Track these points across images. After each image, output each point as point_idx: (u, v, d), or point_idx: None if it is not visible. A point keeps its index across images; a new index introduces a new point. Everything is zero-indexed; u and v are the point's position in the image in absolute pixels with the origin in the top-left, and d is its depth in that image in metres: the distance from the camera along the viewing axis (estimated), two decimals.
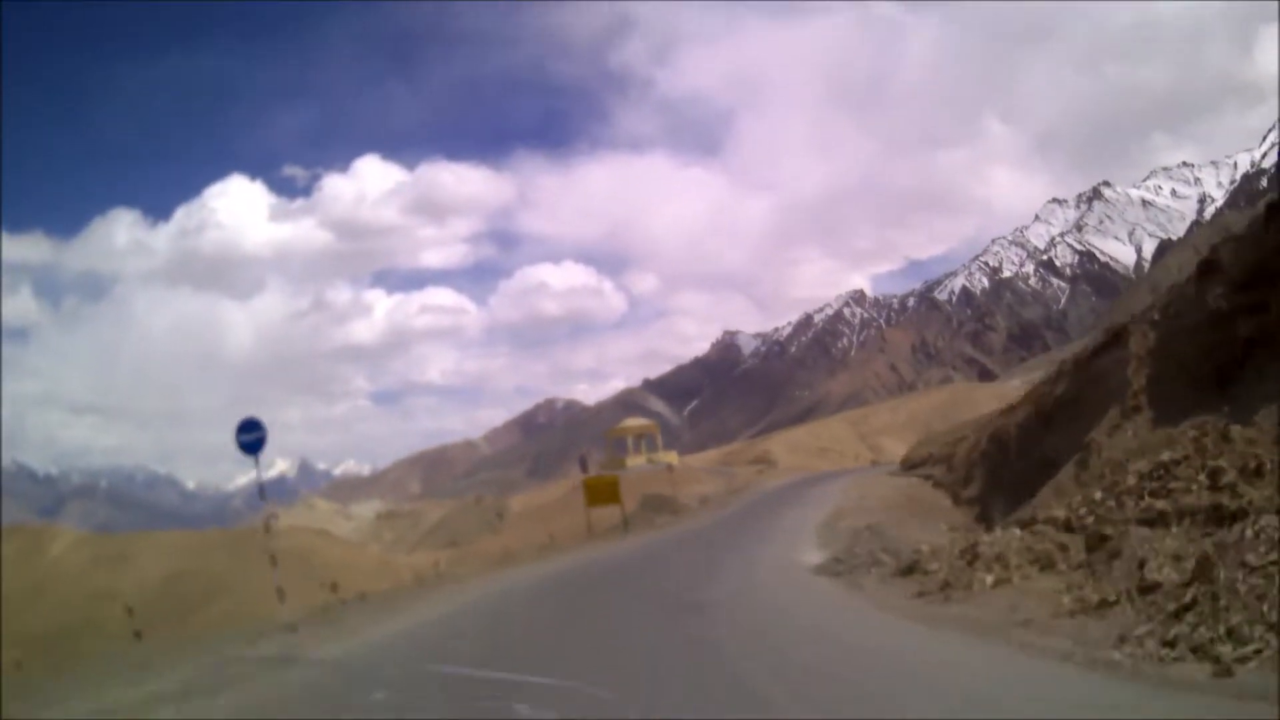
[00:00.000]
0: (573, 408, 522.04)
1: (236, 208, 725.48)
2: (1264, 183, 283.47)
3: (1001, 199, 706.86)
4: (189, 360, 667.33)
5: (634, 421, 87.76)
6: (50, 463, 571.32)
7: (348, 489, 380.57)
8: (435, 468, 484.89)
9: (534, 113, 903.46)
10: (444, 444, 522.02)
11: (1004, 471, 21.90)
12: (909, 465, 54.34)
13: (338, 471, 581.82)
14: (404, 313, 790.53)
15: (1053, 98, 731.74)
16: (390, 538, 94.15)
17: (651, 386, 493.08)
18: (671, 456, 76.90)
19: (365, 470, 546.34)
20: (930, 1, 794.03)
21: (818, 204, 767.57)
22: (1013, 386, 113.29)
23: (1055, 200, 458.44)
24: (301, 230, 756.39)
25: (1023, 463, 19.99)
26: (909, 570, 12.56)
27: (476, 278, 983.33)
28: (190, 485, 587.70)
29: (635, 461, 74.38)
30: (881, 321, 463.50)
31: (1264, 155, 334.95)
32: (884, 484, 46.46)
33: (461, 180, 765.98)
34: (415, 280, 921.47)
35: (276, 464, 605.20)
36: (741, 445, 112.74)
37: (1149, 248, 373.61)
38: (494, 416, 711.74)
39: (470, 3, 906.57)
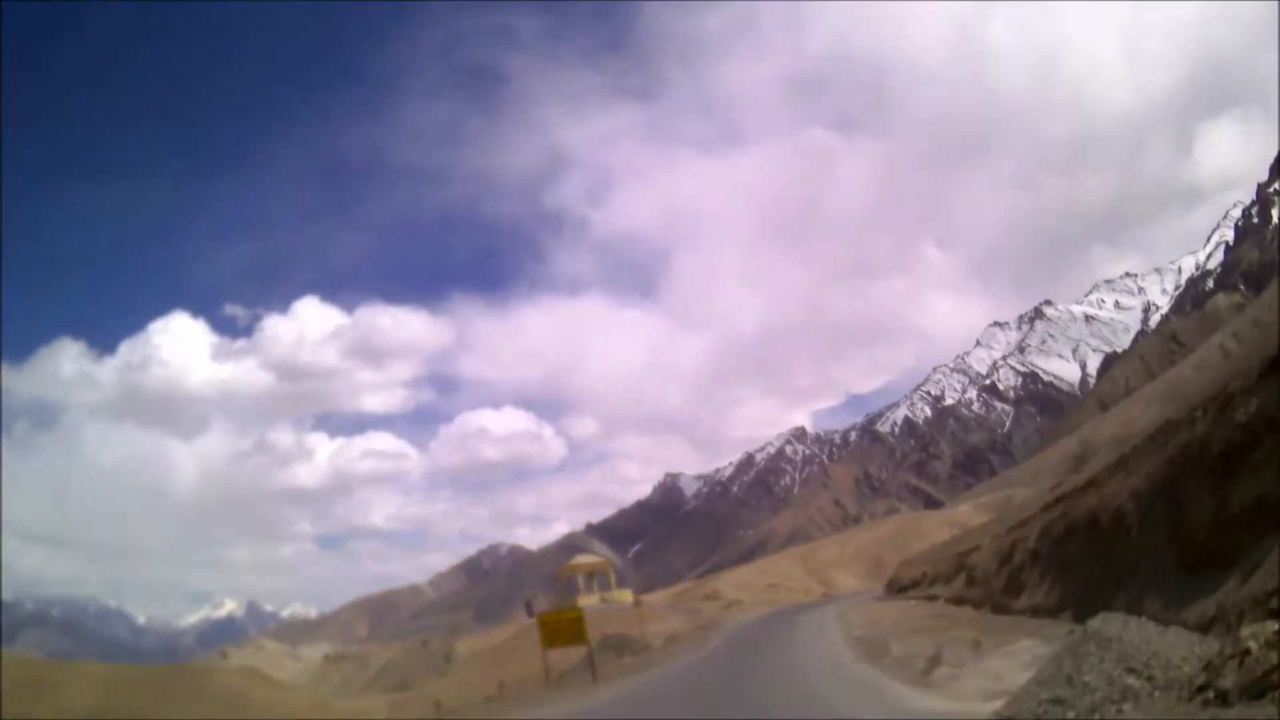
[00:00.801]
0: (516, 553, 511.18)
1: (179, 345, 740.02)
2: (1210, 284, 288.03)
3: (941, 326, 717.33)
4: (137, 495, 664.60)
5: (585, 559, 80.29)
6: (4, 589, 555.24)
7: (296, 631, 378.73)
8: (382, 612, 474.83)
9: (470, 254, 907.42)
10: (390, 588, 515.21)
11: (1118, 557, 15.98)
12: (899, 588, 48.29)
13: (285, 613, 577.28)
14: (346, 457, 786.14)
15: (990, 218, 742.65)
16: (338, 680, 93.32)
17: (594, 530, 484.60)
18: (626, 595, 70.03)
19: (312, 613, 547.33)
20: (863, 127, 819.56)
21: (756, 342, 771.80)
22: (962, 511, 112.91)
23: (996, 324, 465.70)
24: (243, 371, 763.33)
25: (1159, 536, 14.17)
26: (1258, 691, 6.36)
27: (417, 422, 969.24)
28: (140, 620, 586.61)
29: (588, 601, 67.22)
30: (824, 457, 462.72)
31: (1209, 255, 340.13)
32: (882, 608, 40.40)
33: (400, 324, 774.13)
34: (356, 424, 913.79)
35: (225, 604, 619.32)
36: (689, 585, 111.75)
37: (1094, 363, 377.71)
38: (438, 561, 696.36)
39: (408, 138, 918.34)
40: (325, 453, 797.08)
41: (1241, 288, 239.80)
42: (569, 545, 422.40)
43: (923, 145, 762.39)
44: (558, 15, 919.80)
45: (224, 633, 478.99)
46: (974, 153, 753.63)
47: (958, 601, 31.97)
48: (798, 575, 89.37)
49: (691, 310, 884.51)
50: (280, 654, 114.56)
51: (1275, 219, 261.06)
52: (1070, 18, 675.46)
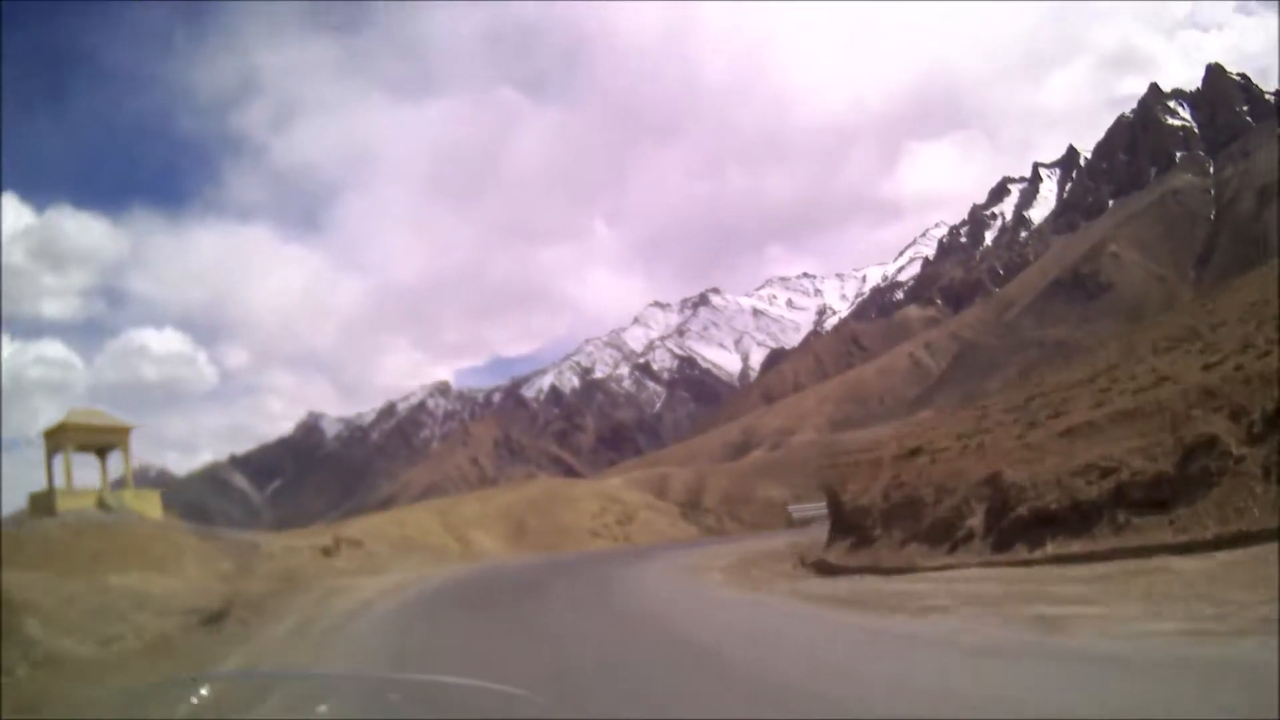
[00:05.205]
0: (164, 477, 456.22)
1: None
2: (900, 295, 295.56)
3: (598, 300, 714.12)
4: None
5: (86, 414, 49.08)
6: None
7: None
8: None
9: (157, 167, 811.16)
10: None
11: None
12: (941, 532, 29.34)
13: None
14: (19, 361, 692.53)
15: (667, 201, 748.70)
16: None
17: (238, 462, 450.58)
18: (152, 499, 46.69)
19: None
20: (553, 94, 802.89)
21: (411, 292, 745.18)
22: (613, 484, 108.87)
23: (657, 304, 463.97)
24: None
25: None
26: None
27: (87, 334, 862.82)
28: None
29: (77, 500, 42.97)
30: (465, 415, 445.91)
31: (901, 268, 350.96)
32: None
33: (84, 230, 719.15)
34: (34, 329, 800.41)
35: None
36: (320, 529, 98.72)
37: (757, 356, 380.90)
38: (90, 477, 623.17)
39: (119, 40, 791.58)
40: (3, 354, 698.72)
41: (938, 302, 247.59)
42: (211, 476, 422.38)
43: (610, 119, 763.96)
44: None
45: None
46: (661, 134, 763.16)
47: None
48: (435, 529, 78.76)
49: (352, 252, 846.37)
50: None
51: (988, 241, 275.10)
52: (790, 13, 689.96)
